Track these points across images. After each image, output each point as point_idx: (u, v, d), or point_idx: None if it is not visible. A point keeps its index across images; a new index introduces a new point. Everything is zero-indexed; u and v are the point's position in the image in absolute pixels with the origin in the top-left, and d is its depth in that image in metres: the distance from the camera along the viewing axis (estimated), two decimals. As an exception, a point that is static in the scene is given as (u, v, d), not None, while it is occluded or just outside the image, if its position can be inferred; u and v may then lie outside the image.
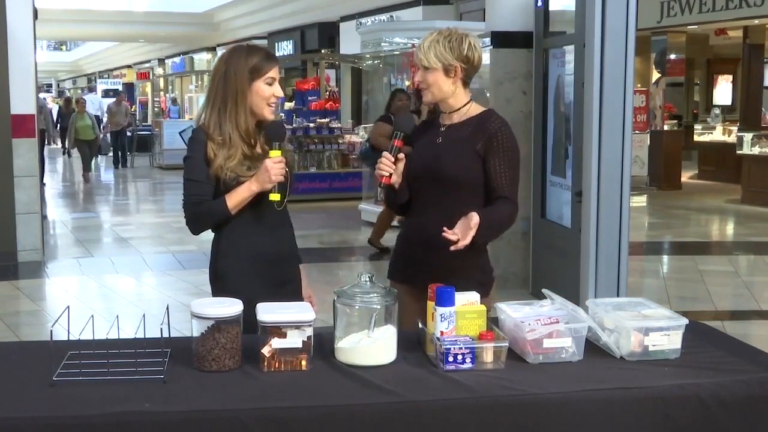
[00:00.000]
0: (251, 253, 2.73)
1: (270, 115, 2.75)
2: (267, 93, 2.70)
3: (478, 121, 2.81)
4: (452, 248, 2.57)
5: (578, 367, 2.23)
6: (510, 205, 2.77)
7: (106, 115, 19.53)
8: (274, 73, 2.72)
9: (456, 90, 2.81)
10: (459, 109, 2.84)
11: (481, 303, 2.43)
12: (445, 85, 2.80)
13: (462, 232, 2.57)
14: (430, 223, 2.76)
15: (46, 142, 15.28)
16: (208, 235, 2.83)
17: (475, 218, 2.57)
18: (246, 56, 2.70)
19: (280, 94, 2.75)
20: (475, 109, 2.85)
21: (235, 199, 2.66)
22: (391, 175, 2.75)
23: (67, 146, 18.47)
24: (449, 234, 2.57)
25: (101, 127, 19.25)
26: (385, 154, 2.75)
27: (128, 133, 19.62)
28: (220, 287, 2.71)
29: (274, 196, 2.68)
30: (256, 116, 2.73)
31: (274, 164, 2.62)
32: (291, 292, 2.80)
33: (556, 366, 2.23)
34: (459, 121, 2.84)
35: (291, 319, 2.20)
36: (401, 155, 2.76)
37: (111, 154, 19.60)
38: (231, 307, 2.22)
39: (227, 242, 2.73)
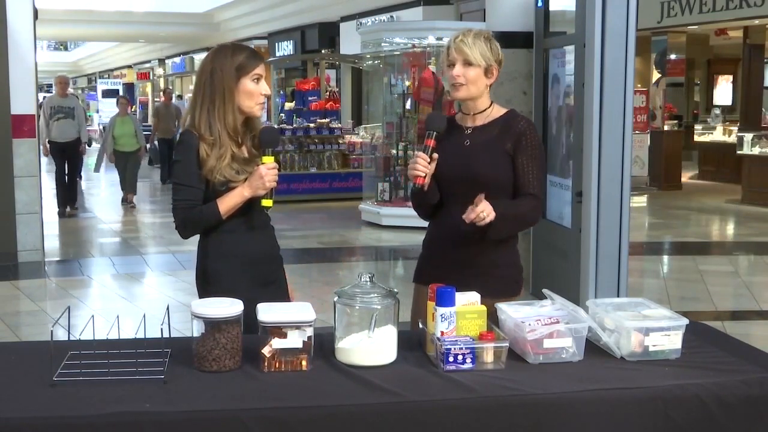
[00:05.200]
0: (239, 254, 2.73)
1: (259, 113, 2.76)
2: (254, 90, 2.70)
3: (504, 121, 2.83)
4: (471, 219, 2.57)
5: (578, 368, 2.23)
6: (533, 200, 2.78)
7: (153, 119, 16.31)
8: (260, 70, 2.71)
9: (486, 91, 2.84)
10: (483, 111, 2.85)
11: (512, 300, 2.51)
12: (482, 85, 2.81)
13: (468, 213, 2.58)
14: (462, 222, 2.74)
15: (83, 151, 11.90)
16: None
17: (481, 197, 2.56)
18: (231, 54, 2.69)
19: (267, 91, 2.75)
20: (497, 110, 2.87)
21: (227, 204, 2.65)
22: (426, 175, 2.72)
23: (102, 160, 13.19)
24: (472, 214, 2.56)
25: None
26: (420, 154, 2.71)
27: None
28: (209, 288, 2.69)
29: (267, 202, 2.68)
30: (244, 114, 2.73)
31: (268, 170, 2.62)
32: (276, 291, 2.80)
33: (557, 366, 2.23)
34: (483, 123, 2.85)
35: (291, 319, 2.20)
36: (435, 155, 2.72)
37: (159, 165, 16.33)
38: (231, 307, 2.22)
39: (216, 244, 2.73)
